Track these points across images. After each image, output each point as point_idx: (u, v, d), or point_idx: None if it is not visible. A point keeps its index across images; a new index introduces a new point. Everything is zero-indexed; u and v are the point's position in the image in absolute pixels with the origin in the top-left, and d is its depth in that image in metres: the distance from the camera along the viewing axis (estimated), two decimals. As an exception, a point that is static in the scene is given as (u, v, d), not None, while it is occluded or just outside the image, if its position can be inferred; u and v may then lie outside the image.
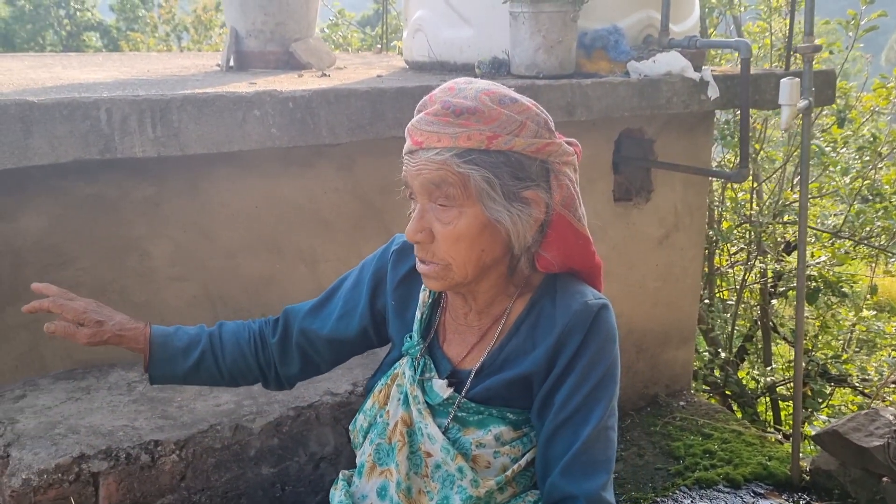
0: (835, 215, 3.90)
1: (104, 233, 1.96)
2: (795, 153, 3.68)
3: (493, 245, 1.16)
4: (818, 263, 3.61)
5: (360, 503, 1.31)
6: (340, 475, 1.39)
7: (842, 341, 4.07)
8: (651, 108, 2.30)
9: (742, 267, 3.98)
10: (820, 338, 3.91)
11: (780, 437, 2.93)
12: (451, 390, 1.24)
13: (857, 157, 3.67)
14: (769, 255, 3.78)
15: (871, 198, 3.59)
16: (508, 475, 1.21)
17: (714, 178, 3.49)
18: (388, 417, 1.30)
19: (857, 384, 3.60)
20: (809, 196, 2.83)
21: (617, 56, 2.33)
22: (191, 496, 1.59)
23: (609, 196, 2.72)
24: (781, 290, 3.97)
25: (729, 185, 3.93)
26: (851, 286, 3.65)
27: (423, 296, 1.31)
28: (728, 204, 3.97)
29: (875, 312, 4.21)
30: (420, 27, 2.56)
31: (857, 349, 4.05)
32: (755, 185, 3.84)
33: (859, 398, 3.78)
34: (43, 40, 17.25)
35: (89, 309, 1.34)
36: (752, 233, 3.83)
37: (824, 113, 3.86)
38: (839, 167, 3.55)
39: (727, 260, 4.14)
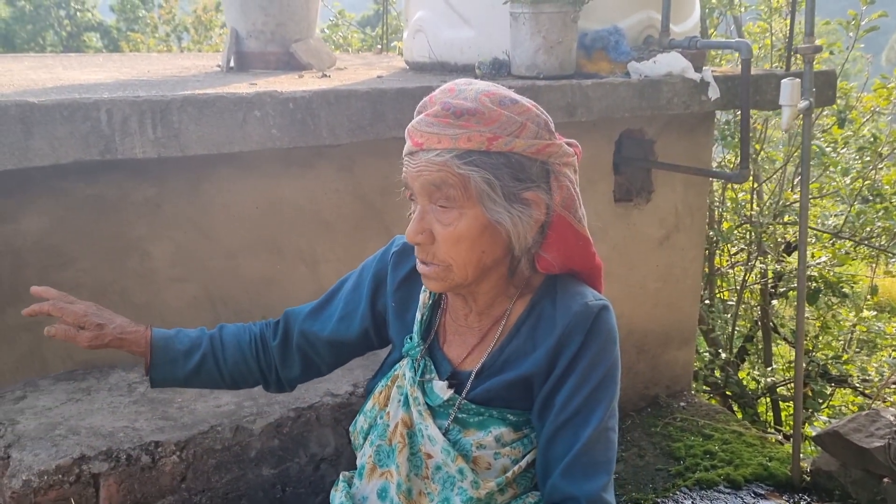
0: (835, 216, 3.89)
1: (105, 234, 1.96)
2: (796, 154, 3.68)
3: (494, 246, 1.16)
4: (819, 264, 3.60)
5: (361, 504, 1.31)
6: (341, 476, 1.39)
7: (842, 342, 4.07)
8: (651, 109, 2.30)
9: (742, 267, 3.98)
10: (820, 338, 3.91)
11: (780, 437, 2.92)
12: (451, 392, 1.24)
13: (857, 157, 3.67)
14: (770, 256, 3.78)
15: (871, 198, 3.59)
16: (509, 476, 1.21)
17: (714, 179, 3.49)
18: (389, 419, 1.30)
19: (857, 385, 3.60)
20: (810, 196, 2.83)
21: (617, 57, 2.33)
22: (191, 497, 1.59)
23: (609, 197, 2.72)
24: (782, 290, 3.97)
25: (729, 186, 3.93)
26: (852, 287, 3.65)
27: (424, 297, 1.31)
28: (728, 204, 3.97)
29: (875, 313, 4.21)
30: (420, 28, 2.56)
31: (857, 350, 4.05)
32: (756, 185, 3.84)
33: (860, 399, 3.78)
34: (43, 41, 17.24)
35: (89, 312, 1.33)
36: (753, 233, 3.83)
37: (825, 113, 3.86)
38: (840, 167, 3.55)
39: (727, 260, 4.14)
